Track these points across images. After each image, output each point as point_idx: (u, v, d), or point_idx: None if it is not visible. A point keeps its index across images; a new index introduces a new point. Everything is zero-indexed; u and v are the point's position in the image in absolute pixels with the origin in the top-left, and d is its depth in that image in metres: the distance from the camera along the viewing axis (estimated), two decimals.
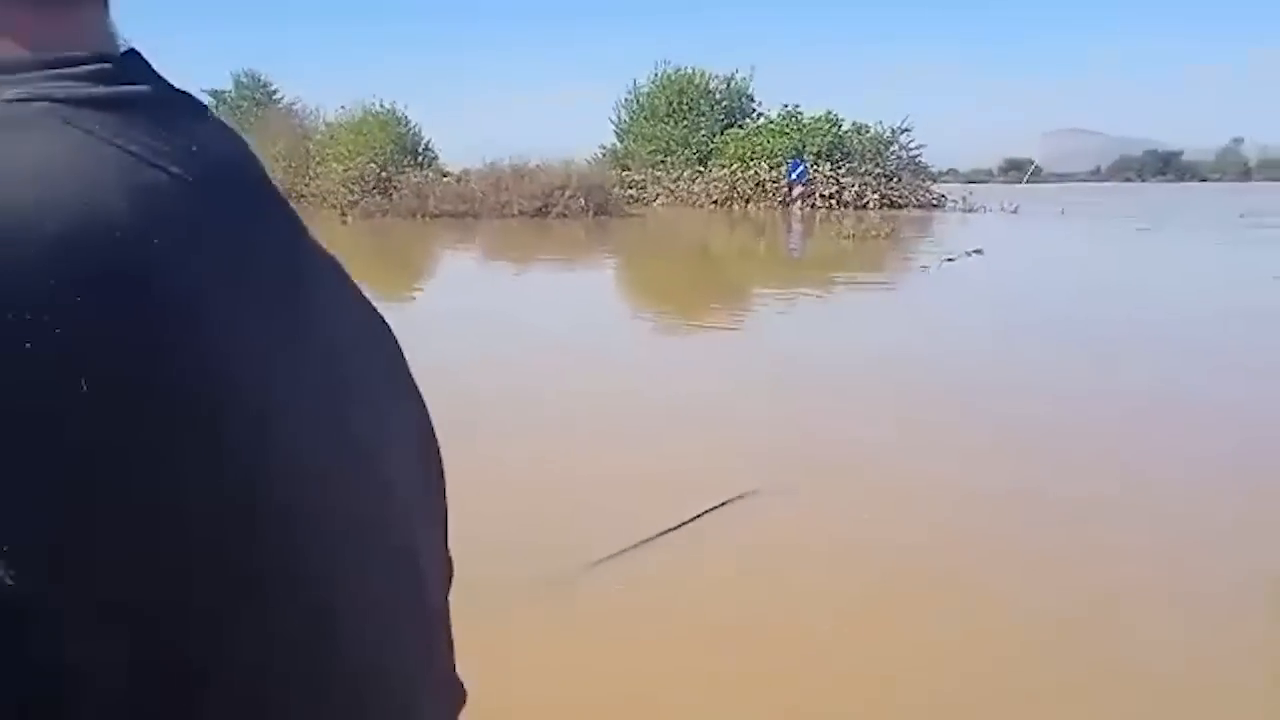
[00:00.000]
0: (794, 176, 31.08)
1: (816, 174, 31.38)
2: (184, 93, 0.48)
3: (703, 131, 36.86)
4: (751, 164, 32.69)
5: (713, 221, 27.50)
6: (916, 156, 34.30)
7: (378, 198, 27.15)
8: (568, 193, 26.20)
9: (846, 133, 33.48)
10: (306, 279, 0.49)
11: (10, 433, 0.34)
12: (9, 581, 0.33)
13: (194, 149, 0.44)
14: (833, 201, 30.86)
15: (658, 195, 32.31)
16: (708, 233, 23.96)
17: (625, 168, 35.71)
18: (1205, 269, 15.56)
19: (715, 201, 32.51)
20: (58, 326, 0.35)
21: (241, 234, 0.46)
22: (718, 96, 37.78)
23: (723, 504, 4.22)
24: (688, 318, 10.43)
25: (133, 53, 0.47)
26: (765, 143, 33.49)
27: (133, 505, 0.37)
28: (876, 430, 5.50)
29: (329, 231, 22.80)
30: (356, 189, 27.49)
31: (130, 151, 0.41)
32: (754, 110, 38.12)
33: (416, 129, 32.58)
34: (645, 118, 38.59)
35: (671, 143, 37.01)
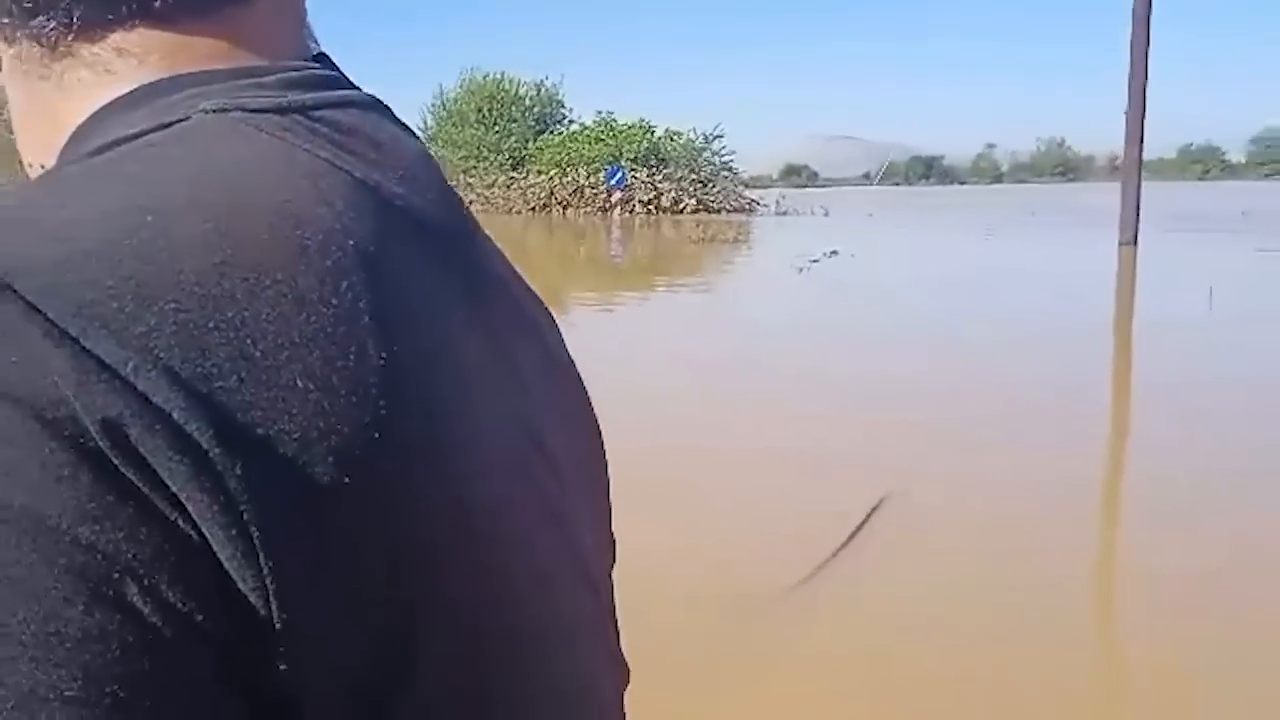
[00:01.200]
0: (613, 182, 31.04)
1: (634, 180, 31.44)
2: (372, 96, 0.47)
3: (514, 138, 36.33)
4: (569, 170, 32.37)
5: (535, 228, 26.99)
6: (729, 162, 35.01)
7: None
8: None
9: (659, 139, 33.75)
10: (487, 279, 0.48)
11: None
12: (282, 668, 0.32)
13: (387, 156, 0.44)
14: (651, 207, 31.02)
15: (470, 201, 31.32)
16: (539, 239, 23.40)
17: None
18: (1037, 254, 16.38)
19: (533, 208, 32.01)
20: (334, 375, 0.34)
21: (447, 249, 0.45)
22: (528, 103, 37.34)
23: None
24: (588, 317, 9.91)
25: (323, 56, 0.48)
26: (582, 149, 33.30)
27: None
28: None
29: None
30: None
31: (329, 160, 0.41)
32: (564, 117, 37.93)
33: None
34: (454, 123, 37.64)
35: (483, 148, 36.25)
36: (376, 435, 0.35)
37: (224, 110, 0.41)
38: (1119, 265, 14.74)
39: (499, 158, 35.96)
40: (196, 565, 0.30)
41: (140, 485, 0.30)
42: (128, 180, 0.36)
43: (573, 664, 0.46)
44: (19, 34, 0.44)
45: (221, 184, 0.37)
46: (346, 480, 0.33)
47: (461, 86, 38.35)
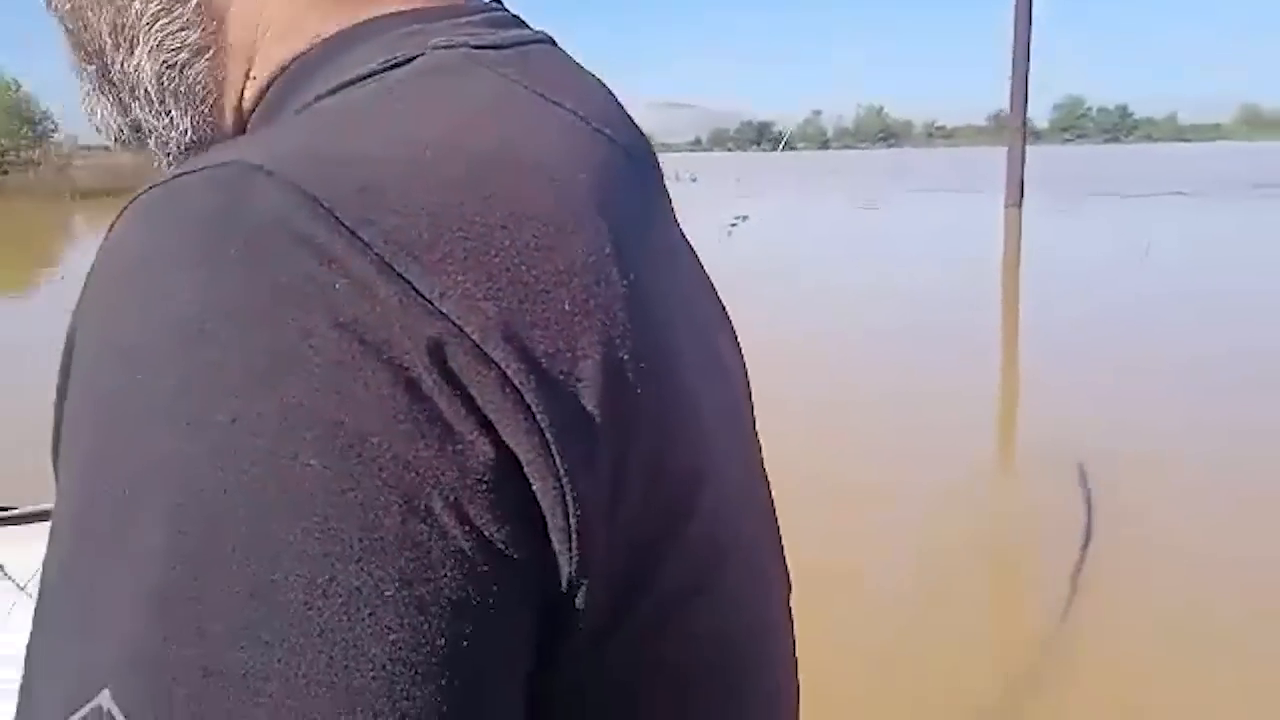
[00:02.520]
0: None
1: None
2: (547, 34, 0.48)
3: None
4: None
5: None
6: None
7: None
8: None
9: None
10: (678, 242, 0.48)
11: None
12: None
13: (583, 92, 0.45)
14: None
15: None
16: None
17: None
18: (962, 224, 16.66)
19: None
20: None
21: (653, 183, 0.47)
22: None
23: None
24: None
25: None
26: None
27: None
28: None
29: None
30: None
31: (544, 96, 0.42)
32: None
33: (27, 95, 27.31)
34: None
35: None
36: (638, 361, 0.36)
37: (451, 47, 0.42)
38: (1006, 228, 15.12)
39: None
40: (501, 484, 0.32)
41: (452, 407, 0.31)
42: (398, 117, 0.38)
43: (771, 615, 0.47)
44: None
45: (475, 121, 0.39)
46: (623, 403, 0.35)
47: None
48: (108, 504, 0.30)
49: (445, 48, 0.42)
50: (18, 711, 0.30)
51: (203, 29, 0.46)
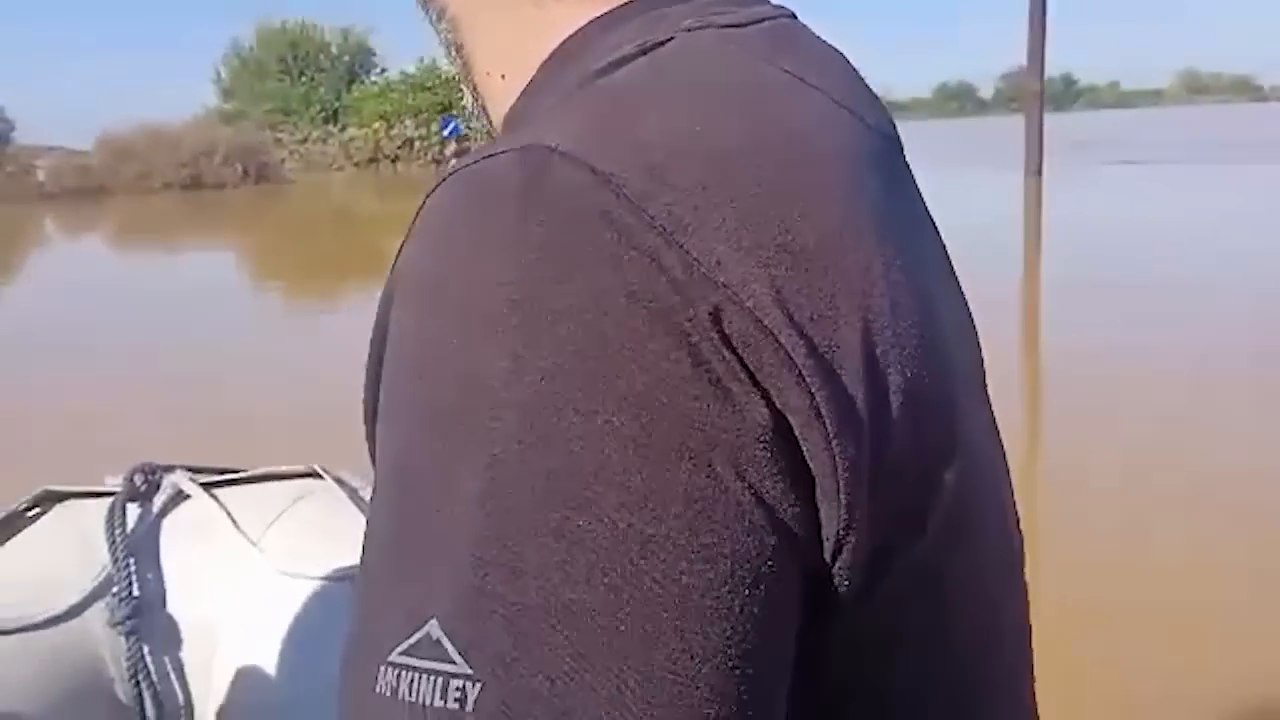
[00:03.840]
0: (446, 133, 29.21)
1: (470, 130, 29.71)
2: (788, 8, 0.48)
3: (324, 89, 33.60)
4: (394, 122, 30.18)
5: (366, 184, 25.05)
6: None
7: None
8: (217, 158, 22.18)
9: None
10: (929, 231, 0.48)
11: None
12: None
13: (825, 67, 0.45)
14: None
15: (283, 159, 28.46)
16: (381, 199, 21.62)
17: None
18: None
19: (357, 163, 29.73)
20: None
21: (899, 159, 0.47)
22: (335, 51, 34.55)
23: None
24: None
25: None
26: (406, 99, 31.05)
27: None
28: None
29: None
30: None
31: (792, 73, 0.42)
32: (376, 65, 35.41)
33: None
34: (253, 75, 34.35)
35: (290, 101, 33.29)
36: (897, 330, 0.37)
37: (702, 28, 0.43)
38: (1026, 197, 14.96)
39: (310, 110, 33.12)
40: (774, 445, 0.33)
41: (730, 371, 0.33)
42: (666, 98, 0.39)
43: (1014, 581, 0.47)
44: None
45: (736, 99, 0.40)
46: (883, 370, 0.36)
47: (259, 34, 34.93)
48: (429, 457, 0.34)
49: (697, 28, 0.43)
50: (347, 643, 0.34)
51: (455, 28, 0.52)
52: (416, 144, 29.54)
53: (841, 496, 0.34)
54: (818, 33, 0.49)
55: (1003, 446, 0.50)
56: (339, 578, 1.25)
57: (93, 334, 7.17)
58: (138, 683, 1.25)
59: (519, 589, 0.31)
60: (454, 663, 0.31)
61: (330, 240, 14.42)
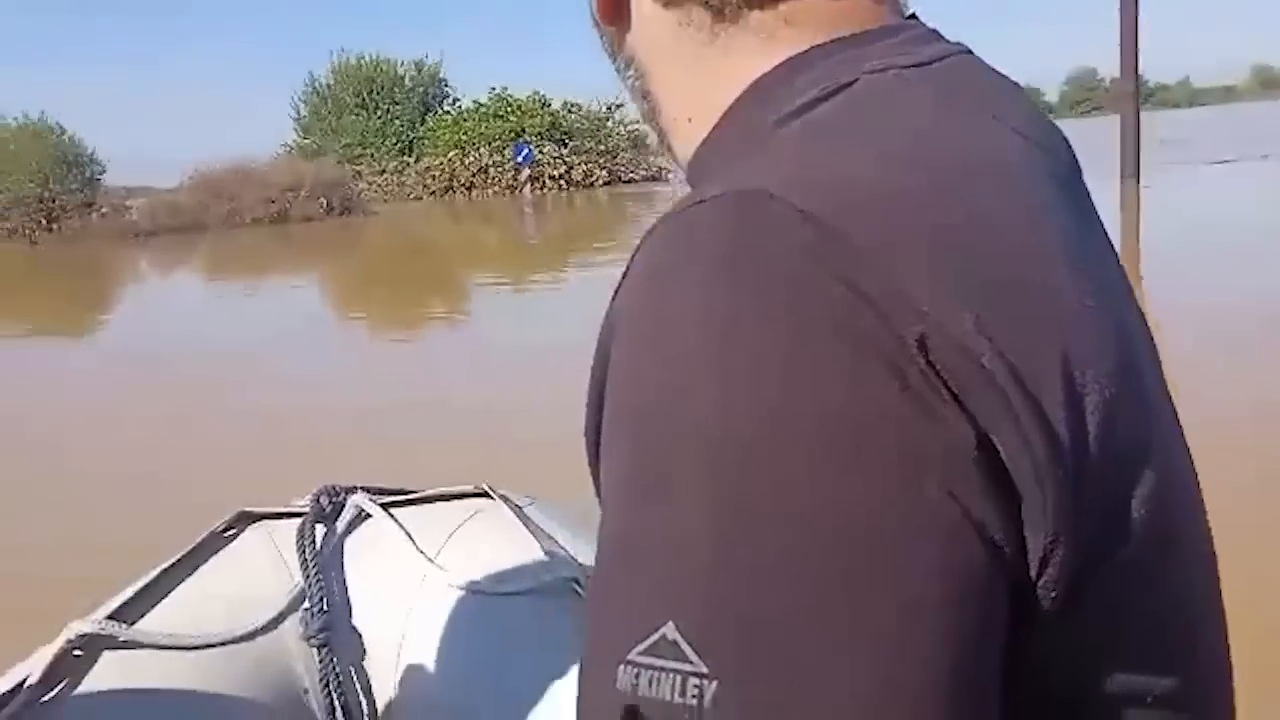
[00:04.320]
0: (520, 159, 29.58)
1: (542, 155, 30.09)
2: (964, 45, 0.50)
3: (399, 121, 34.31)
4: (469, 150, 30.67)
5: (450, 212, 25.49)
6: (634, 131, 33.91)
7: (43, 221, 22.15)
8: (303, 193, 22.85)
9: (559, 112, 32.38)
10: (1095, 213, 0.50)
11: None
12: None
13: (1004, 100, 0.47)
14: (562, 182, 29.75)
15: (361, 191, 29.06)
16: (474, 224, 21.95)
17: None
18: None
19: (433, 192, 30.24)
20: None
21: (1077, 187, 0.48)
22: (409, 83, 35.30)
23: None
24: None
25: (914, 15, 0.52)
26: (479, 127, 31.58)
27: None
28: None
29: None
30: (14, 214, 22.30)
31: (975, 107, 0.45)
32: (449, 95, 36.08)
33: (74, 137, 26.83)
34: (331, 112, 35.25)
35: (367, 135, 34.07)
36: (1093, 351, 0.38)
37: (884, 71, 0.45)
38: (1123, 201, 14.56)
39: (386, 143, 33.87)
40: (981, 467, 0.35)
41: (938, 397, 0.35)
42: (858, 139, 0.42)
43: (1211, 589, 0.48)
44: (690, 2, 0.50)
45: (926, 137, 0.42)
46: (1082, 392, 0.37)
47: (334, 72, 35.89)
48: (655, 476, 0.36)
49: (878, 71, 0.45)
50: (586, 643, 0.37)
51: (644, 78, 0.56)
52: (491, 171, 30.02)
53: (1047, 513, 0.36)
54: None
55: (1192, 460, 0.51)
56: (511, 592, 1.32)
57: (223, 365, 7.44)
58: (329, 692, 1.33)
59: (750, 598, 0.34)
60: (691, 662, 0.33)
61: (422, 266, 14.73)
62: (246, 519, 1.40)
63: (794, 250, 0.36)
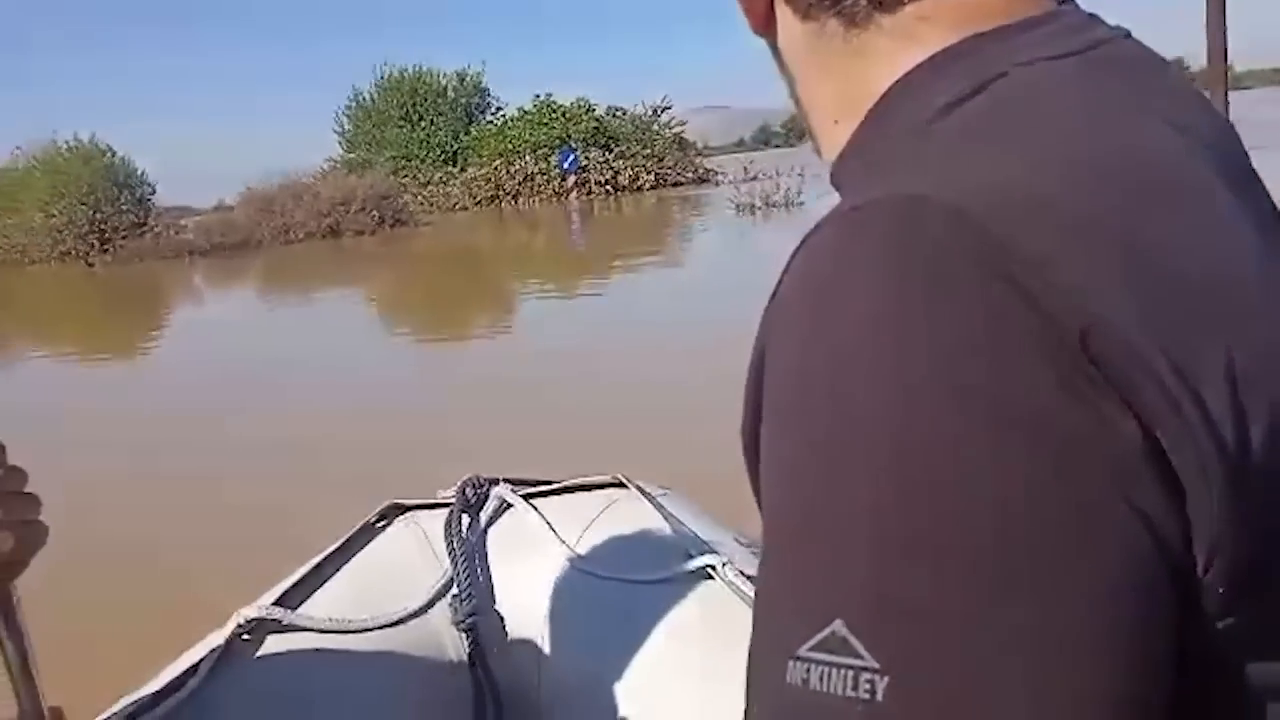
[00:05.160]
0: (565, 165, 29.73)
1: (588, 161, 30.21)
2: (1123, 28, 0.49)
3: (443, 132, 34.62)
4: (514, 159, 30.89)
5: (494, 220, 25.66)
6: (680, 133, 33.94)
7: (96, 244, 22.64)
8: (354, 207, 23.18)
9: (604, 117, 32.51)
10: (1267, 211, 0.49)
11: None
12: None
13: (1162, 83, 0.47)
14: (609, 187, 29.85)
15: (405, 203, 29.30)
16: (521, 233, 22.09)
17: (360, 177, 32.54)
18: None
19: (478, 201, 30.48)
20: None
21: (1238, 175, 0.46)
22: (452, 94, 35.62)
23: None
24: None
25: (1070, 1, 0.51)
26: (524, 135, 31.79)
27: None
28: None
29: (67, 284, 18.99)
30: (68, 236, 22.80)
31: (1129, 95, 0.45)
32: (491, 105, 36.36)
33: (125, 158, 27.39)
34: (375, 124, 35.68)
35: (412, 146, 34.43)
36: (1256, 350, 0.38)
37: (1032, 63, 0.45)
38: None
39: (431, 154, 34.22)
40: (1146, 461, 0.35)
41: (1099, 391, 0.35)
42: (1011, 136, 0.42)
43: None
44: (823, 13, 0.51)
45: (1077, 134, 0.42)
46: (1244, 391, 0.37)
47: (378, 85, 36.32)
48: (816, 479, 0.37)
49: (1025, 64, 0.45)
50: (754, 640, 0.38)
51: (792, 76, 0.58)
52: (536, 178, 30.19)
53: (1214, 509, 0.36)
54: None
55: None
56: (649, 580, 1.38)
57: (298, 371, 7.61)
58: (476, 674, 1.40)
59: (918, 594, 0.34)
60: (862, 658, 0.34)
61: (476, 275, 14.88)
62: (396, 510, 1.48)
63: (954, 252, 0.37)
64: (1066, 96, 0.44)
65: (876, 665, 0.34)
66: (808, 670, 0.35)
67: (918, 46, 0.48)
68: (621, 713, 1.28)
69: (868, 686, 0.34)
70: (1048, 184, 0.39)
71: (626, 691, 1.30)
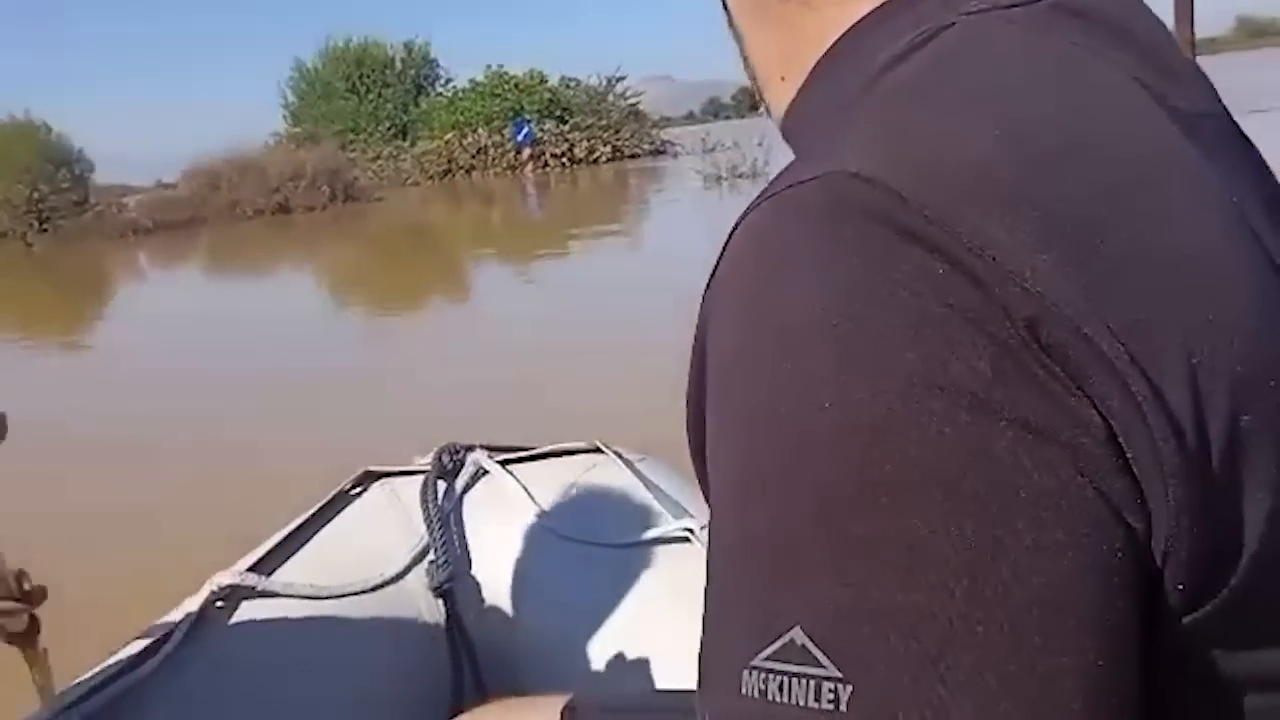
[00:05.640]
0: (520, 138, 29.47)
1: (543, 133, 29.98)
2: None
3: (391, 104, 34.15)
4: (467, 131, 30.53)
5: (451, 196, 25.40)
6: (635, 105, 33.72)
7: (35, 223, 21.99)
8: (304, 183, 22.74)
9: (557, 88, 32.24)
10: (1247, 166, 0.46)
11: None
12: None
13: (1135, 38, 0.44)
14: (565, 160, 29.65)
15: (355, 178, 28.79)
16: (481, 206, 21.88)
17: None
18: None
19: (431, 176, 30.12)
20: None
21: (1217, 139, 0.44)
22: (400, 66, 35.12)
23: None
24: None
25: None
26: (476, 107, 31.44)
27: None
28: None
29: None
30: (5, 216, 22.11)
31: (1089, 49, 0.42)
32: (440, 76, 35.91)
33: (61, 136, 26.44)
34: (320, 97, 35.08)
35: (359, 119, 33.91)
36: (1214, 331, 0.36)
37: (983, 12, 0.42)
38: None
39: (380, 127, 33.73)
40: (1105, 446, 0.33)
41: (1051, 376, 0.33)
42: (954, 103, 0.39)
43: None
44: None
45: (1024, 98, 0.39)
46: (1203, 377, 0.35)
47: (323, 56, 35.69)
48: (764, 472, 0.35)
49: (976, 12, 0.42)
50: (703, 649, 0.36)
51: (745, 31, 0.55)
52: (490, 151, 29.84)
53: (1169, 501, 0.34)
54: None
55: None
56: (626, 544, 1.39)
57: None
58: (453, 638, 1.40)
59: (877, 596, 0.32)
60: (823, 666, 0.32)
61: (440, 248, 14.74)
62: (371, 477, 1.47)
63: (891, 233, 0.35)
64: (1012, 51, 0.41)
65: (839, 674, 0.32)
66: (765, 681, 0.33)
67: None
68: (599, 675, 1.29)
69: (830, 696, 0.32)
70: (988, 158, 0.37)
71: (604, 654, 1.31)
